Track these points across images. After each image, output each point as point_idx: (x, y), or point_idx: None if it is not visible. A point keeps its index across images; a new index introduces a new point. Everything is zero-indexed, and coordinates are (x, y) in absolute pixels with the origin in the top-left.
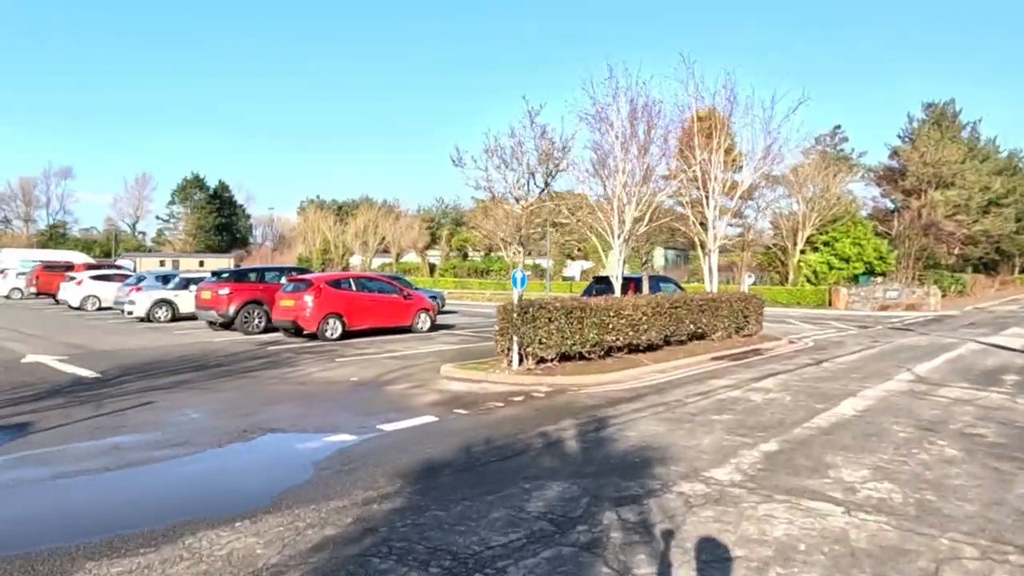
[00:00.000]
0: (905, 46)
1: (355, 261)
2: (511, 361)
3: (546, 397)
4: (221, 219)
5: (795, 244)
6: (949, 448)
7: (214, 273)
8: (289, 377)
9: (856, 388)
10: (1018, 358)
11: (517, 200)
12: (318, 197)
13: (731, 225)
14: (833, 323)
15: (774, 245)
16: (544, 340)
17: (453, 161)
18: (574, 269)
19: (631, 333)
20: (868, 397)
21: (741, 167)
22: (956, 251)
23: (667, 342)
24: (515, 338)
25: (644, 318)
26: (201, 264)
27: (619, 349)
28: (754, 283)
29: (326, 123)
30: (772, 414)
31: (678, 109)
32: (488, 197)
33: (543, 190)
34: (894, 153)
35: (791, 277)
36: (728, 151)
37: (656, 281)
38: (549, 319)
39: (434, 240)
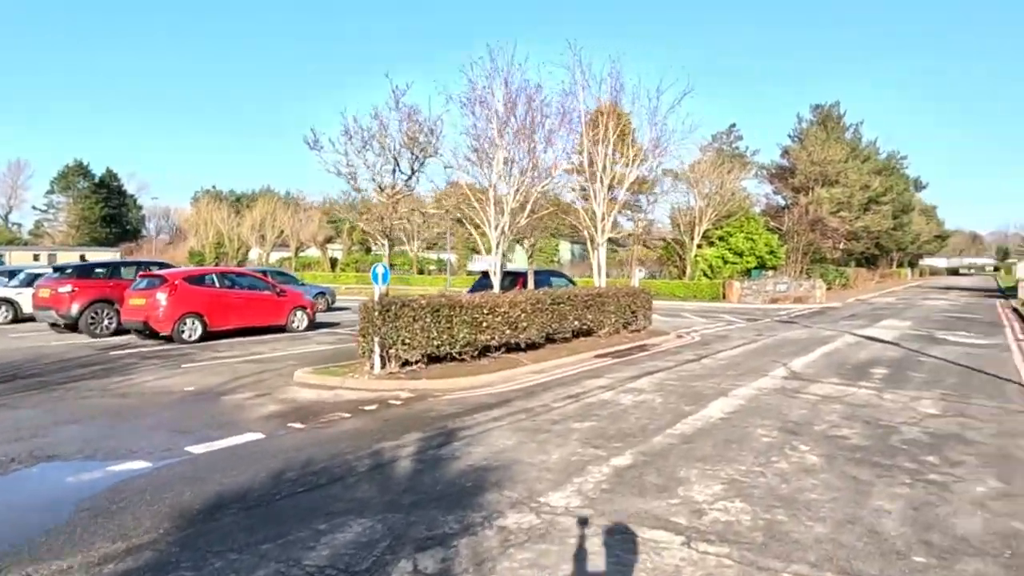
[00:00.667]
0: (799, 49)
1: (252, 255)
2: (373, 364)
3: (403, 405)
4: (108, 210)
5: (692, 238)
6: (811, 454)
7: (56, 268)
8: (114, 387)
9: (730, 387)
10: (889, 350)
11: (381, 188)
12: (214, 187)
13: (628, 219)
14: (725, 316)
15: (672, 239)
16: (408, 341)
17: (308, 144)
18: (482, 264)
19: (508, 332)
20: (740, 397)
21: (635, 159)
22: (841, 246)
23: (550, 340)
24: (376, 339)
25: (523, 316)
26: (83, 258)
27: (497, 348)
28: (645, 277)
29: (232, 111)
30: (637, 419)
31: (564, 95)
32: (351, 184)
33: (410, 177)
34: (785, 152)
35: (688, 271)
36: (623, 140)
37: (546, 275)
38: (413, 318)
39: (337, 233)
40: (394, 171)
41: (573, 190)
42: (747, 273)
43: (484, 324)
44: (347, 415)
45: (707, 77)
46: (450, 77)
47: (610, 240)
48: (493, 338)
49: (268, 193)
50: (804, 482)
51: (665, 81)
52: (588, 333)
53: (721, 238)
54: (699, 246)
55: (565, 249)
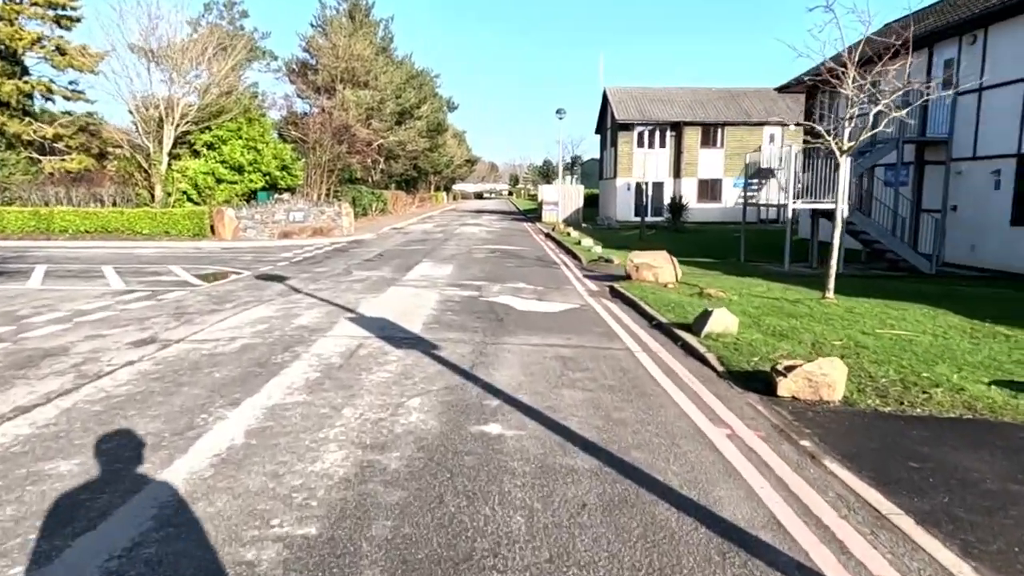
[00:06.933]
0: None
1: None
2: None
3: None
4: None
5: (161, 144)
6: None
7: None
8: None
9: None
10: (403, 414)
11: None
12: None
13: (68, 112)
14: (175, 272)
15: (133, 146)
16: None
17: None
18: None
19: None
20: None
21: None
22: (380, 167)
23: None
24: None
25: None
26: None
27: None
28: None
29: None
30: None
31: None
32: None
33: None
34: (308, 44)
35: (158, 194)
36: None
37: None
38: None
39: None
40: None
41: None
42: (252, 196)
43: None
44: None
45: None
46: None
47: (28, 143)
48: None
49: None
50: None
51: None
52: None
53: (210, 146)
54: (175, 157)
55: None
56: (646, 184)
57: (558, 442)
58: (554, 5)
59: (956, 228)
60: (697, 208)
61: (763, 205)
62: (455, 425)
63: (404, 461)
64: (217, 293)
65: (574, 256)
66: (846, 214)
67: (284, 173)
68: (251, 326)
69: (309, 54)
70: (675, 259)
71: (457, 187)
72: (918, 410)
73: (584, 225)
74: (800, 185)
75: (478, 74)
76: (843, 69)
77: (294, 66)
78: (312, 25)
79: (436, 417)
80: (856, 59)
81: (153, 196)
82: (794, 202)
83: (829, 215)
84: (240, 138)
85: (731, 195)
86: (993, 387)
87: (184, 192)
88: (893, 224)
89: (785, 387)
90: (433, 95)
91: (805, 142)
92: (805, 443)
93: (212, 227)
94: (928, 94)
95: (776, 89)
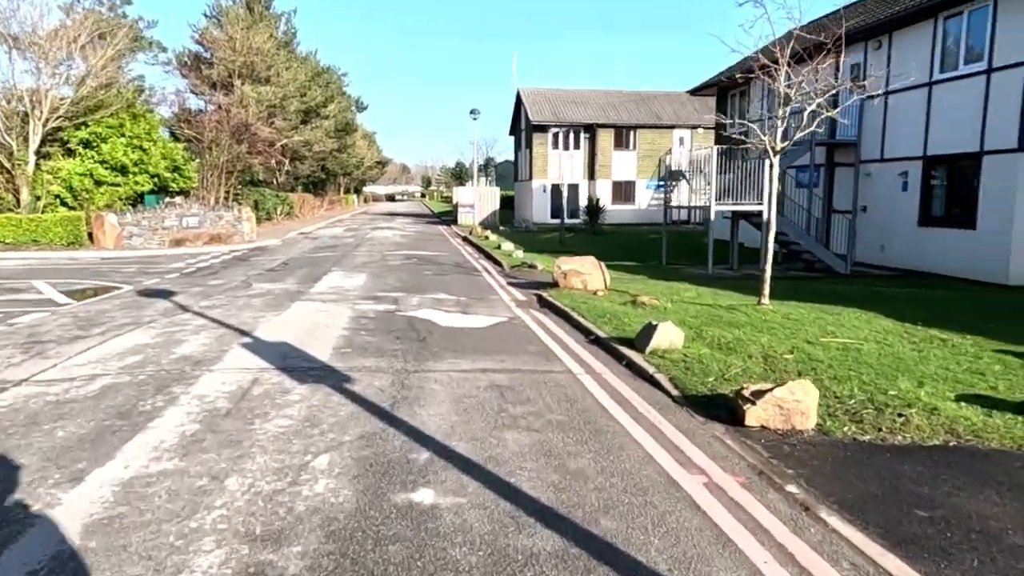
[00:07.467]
0: None
1: None
2: None
3: None
4: None
5: (27, 141)
6: None
7: None
8: None
9: None
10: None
11: None
12: None
13: None
14: (38, 286)
15: None
16: None
17: None
18: None
19: None
20: None
21: None
22: (286, 168)
23: None
24: None
25: None
26: None
27: None
28: None
29: None
30: None
31: None
32: None
33: None
34: (202, 36)
35: (25, 198)
36: None
37: None
38: None
39: None
40: None
41: None
42: (139, 200)
43: None
44: None
45: None
46: None
47: None
48: None
49: None
50: None
51: None
52: None
53: (88, 143)
54: (46, 156)
55: None
56: (563, 186)
57: (509, 512)
58: (466, 3)
59: (866, 228)
60: (612, 210)
61: (681, 207)
62: (375, 494)
63: (308, 560)
64: (86, 314)
65: (495, 261)
66: (768, 215)
67: (175, 175)
68: (120, 358)
69: (203, 47)
70: (603, 264)
71: (368, 189)
72: (899, 438)
73: (501, 228)
74: (714, 186)
75: (387, 74)
76: (775, 65)
77: (186, 59)
78: (206, 15)
79: (350, 483)
80: (788, 54)
81: (19, 200)
82: (716, 203)
83: (748, 216)
84: (123, 136)
85: (644, 197)
86: (963, 404)
87: (57, 196)
88: (807, 224)
89: (754, 416)
90: (341, 94)
91: (719, 140)
92: (792, 489)
93: (91, 235)
94: (860, 93)
95: (688, 92)
